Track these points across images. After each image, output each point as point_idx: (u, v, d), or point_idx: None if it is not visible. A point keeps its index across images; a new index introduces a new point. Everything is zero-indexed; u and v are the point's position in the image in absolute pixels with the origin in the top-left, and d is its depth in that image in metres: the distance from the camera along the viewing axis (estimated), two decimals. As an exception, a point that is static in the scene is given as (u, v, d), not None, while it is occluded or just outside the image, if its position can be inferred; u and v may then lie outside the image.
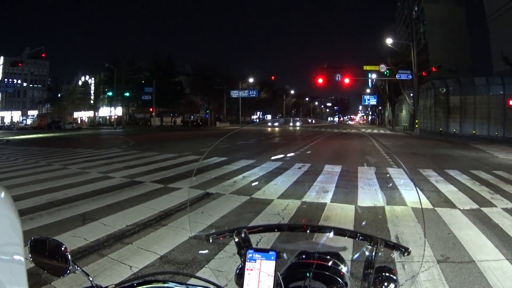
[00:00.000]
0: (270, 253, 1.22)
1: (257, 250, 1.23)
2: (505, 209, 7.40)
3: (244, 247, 1.47)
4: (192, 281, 1.43)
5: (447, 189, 9.45)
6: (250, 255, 1.23)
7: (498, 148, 23.94)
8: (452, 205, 7.78)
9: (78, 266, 1.24)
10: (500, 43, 46.26)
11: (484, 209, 7.39)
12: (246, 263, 1.22)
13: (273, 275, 1.19)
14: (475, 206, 7.70)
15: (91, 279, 1.20)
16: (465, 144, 26.47)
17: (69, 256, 1.25)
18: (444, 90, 43.11)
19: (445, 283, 4.01)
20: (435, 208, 7.44)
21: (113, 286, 1.21)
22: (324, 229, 1.75)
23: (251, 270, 1.20)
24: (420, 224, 6.18)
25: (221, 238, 1.64)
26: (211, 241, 1.63)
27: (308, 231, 1.73)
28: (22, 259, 2.06)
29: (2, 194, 2.17)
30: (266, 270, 1.19)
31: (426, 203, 7.85)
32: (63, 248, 1.27)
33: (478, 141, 30.44)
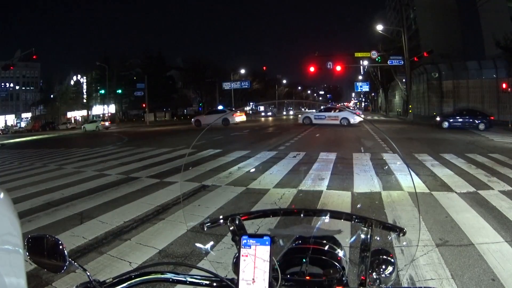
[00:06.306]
0: (265, 238, 1.20)
1: (252, 236, 1.22)
2: (502, 192, 7.44)
3: (239, 235, 1.45)
4: (191, 272, 1.42)
5: (443, 173, 9.48)
6: (245, 241, 1.21)
7: (493, 131, 24.02)
8: (448, 189, 7.81)
9: (75, 262, 1.23)
10: (491, 27, 46.23)
11: (481, 192, 7.42)
12: (241, 249, 1.20)
13: (269, 260, 1.17)
14: (472, 189, 7.74)
15: (88, 274, 1.20)
16: (460, 127, 26.49)
17: (66, 252, 1.24)
18: (437, 75, 43.22)
19: (445, 266, 4.03)
20: (432, 192, 7.47)
21: (111, 279, 1.20)
22: (320, 213, 1.75)
23: (246, 256, 1.18)
24: (417, 208, 6.20)
25: (215, 226, 1.63)
26: (205, 229, 1.61)
27: (302, 215, 1.72)
28: (21, 256, 2.10)
29: (1, 195, 2.22)
30: (261, 256, 1.18)
31: (423, 187, 7.88)
32: (60, 245, 1.26)
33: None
